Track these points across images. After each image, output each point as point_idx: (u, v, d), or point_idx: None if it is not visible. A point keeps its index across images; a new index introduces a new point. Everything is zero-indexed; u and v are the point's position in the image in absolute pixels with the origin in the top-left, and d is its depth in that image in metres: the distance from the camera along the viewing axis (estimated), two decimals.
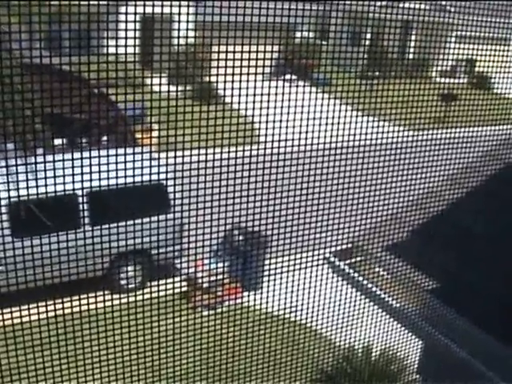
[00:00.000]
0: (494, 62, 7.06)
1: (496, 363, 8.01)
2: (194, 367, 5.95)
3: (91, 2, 3.98)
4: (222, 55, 4.63)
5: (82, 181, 4.43)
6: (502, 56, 7.41)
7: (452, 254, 8.32)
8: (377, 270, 8.23)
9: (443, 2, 7.80)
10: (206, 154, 4.93)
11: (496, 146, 7.51)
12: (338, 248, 7.82)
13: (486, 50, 7.00)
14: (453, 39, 7.99)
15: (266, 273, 6.43)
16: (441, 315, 8.04)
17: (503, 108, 7.13)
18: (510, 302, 7.86)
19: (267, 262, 6.50)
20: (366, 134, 6.02)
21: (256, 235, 7.86)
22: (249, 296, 9.43)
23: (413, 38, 7.78)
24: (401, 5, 6.10)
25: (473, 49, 6.96)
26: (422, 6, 6.28)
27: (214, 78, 4.89)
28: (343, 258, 8.95)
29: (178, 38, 4.75)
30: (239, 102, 4.88)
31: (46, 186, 4.41)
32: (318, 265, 7.11)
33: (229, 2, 4.42)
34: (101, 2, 4.03)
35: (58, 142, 6.62)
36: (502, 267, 8.09)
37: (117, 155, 4.53)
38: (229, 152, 5.13)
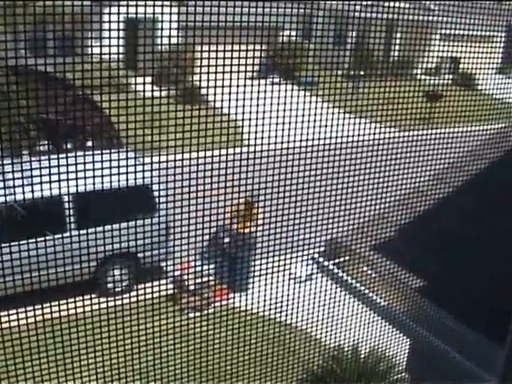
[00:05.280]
0: (478, 58, 7.09)
1: (484, 360, 8.05)
2: (182, 369, 5.94)
3: (75, 4, 3.96)
4: (207, 56, 4.62)
5: (67, 184, 4.41)
6: (486, 54, 7.45)
7: (439, 253, 8.35)
8: (364, 269, 8.24)
9: (427, 2, 7.82)
10: (190, 158, 4.92)
11: (481, 145, 7.55)
12: (326, 248, 7.84)
13: (470, 47, 7.03)
14: (437, 37, 8.02)
15: (254, 273, 6.42)
16: (428, 314, 8.06)
17: (487, 107, 7.17)
18: (497, 300, 7.89)
19: (254, 262, 6.49)
20: (351, 133, 6.03)
21: (242, 236, 7.85)
22: (234, 298, 9.43)
23: (397, 36, 7.80)
24: (385, 4, 6.11)
25: (457, 46, 6.98)
26: (407, 5, 6.29)
27: (199, 80, 4.88)
28: (330, 257, 8.96)
29: (162, 38, 4.73)
30: (221, 101, 4.88)
31: (32, 190, 4.39)
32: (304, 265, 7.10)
33: (211, 2, 4.41)
34: (84, 4, 4.01)
35: (43, 145, 6.59)
36: (488, 266, 8.13)
37: (102, 160, 4.51)
38: (212, 154, 5.11)
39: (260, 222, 8.88)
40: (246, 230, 9.47)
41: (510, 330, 7.42)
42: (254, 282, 6.42)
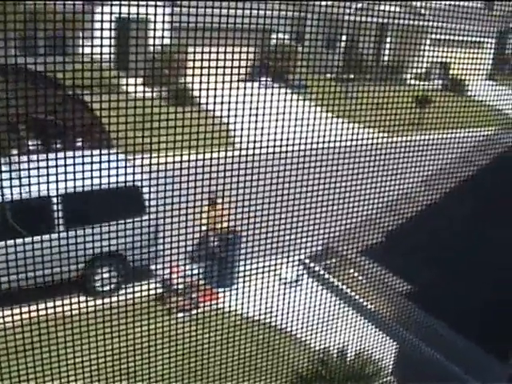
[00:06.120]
0: (468, 64, 7.11)
1: (471, 365, 8.07)
2: (169, 370, 5.93)
3: (66, 5, 3.95)
4: (199, 58, 4.61)
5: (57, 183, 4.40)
6: (476, 60, 7.47)
7: (427, 258, 8.37)
8: (352, 273, 8.26)
9: (418, 4, 7.85)
10: (181, 159, 4.92)
11: (470, 151, 7.57)
12: (314, 251, 7.84)
13: (460, 53, 7.06)
14: (428, 43, 8.04)
15: (242, 273, 6.41)
16: (415, 318, 8.08)
17: (477, 113, 7.19)
18: (486, 306, 7.91)
19: (242, 266, 6.49)
20: (341, 137, 6.04)
21: (229, 231, 7.87)
22: (224, 299, 9.43)
23: (388, 41, 7.83)
24: (376, 7, 6.13)
25: (447, 52, 7.01)
26: (397, 9, 6.30)
27: (190, 81, 4.88)
28: (318, 261, 8.97)
29: (154, 40, 4.72)
30: (211, 103, 4.87)
31: (19, 189, 4.37)
32: (293, 268, 7.08)
33: (205, 4, 4.41)
34: (76, 5, 4.00)
35: (31, 144, 6.57)
36: (477, 270, 8.15)
37: (92, 159, 4.50)
38: (200, 155, 5.12)
39: (226, 218, 8.97)
40: (218, 226, 9.57)
41: None
42: (236, 279, 6.41)
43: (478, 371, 8.04)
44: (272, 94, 5.34)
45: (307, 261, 9.17)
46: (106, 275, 9.97)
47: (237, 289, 6.32)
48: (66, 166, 4.34)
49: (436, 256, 8.36)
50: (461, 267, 8.35)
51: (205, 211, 8.07)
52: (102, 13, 4.16)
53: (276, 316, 6.83)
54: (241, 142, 5.42)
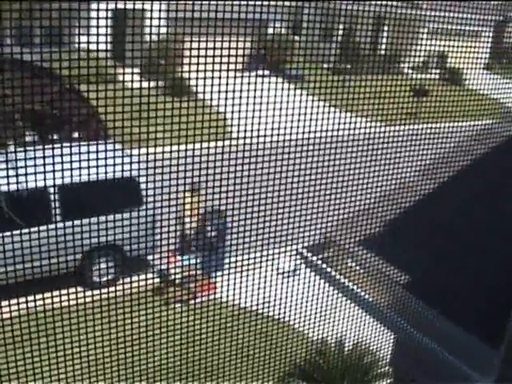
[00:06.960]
0: (465, 54, 7.10)
1: (467, 356, 8.09)
2: (167, 361, 5.93)
3: None
4: (196, 50, 4.61)
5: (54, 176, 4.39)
6: (474, 49, 7.46)
7: (425, 248, 8.38)
8: (349, 264, 8.26)
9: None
10: (179, 150, 4.92)
11: (467, 141, 7.57)
12: (311, 242, 7.85)
13: (458, 42, 7.04)
14: (425, 34, 8.04)
15: (238, 264, 6.41)
16: (413, 309, 8.09)
17: (474, 103, 7.18)
18: (482, 295, 7.93)
19: (238, 256, 6.49)
20: (338, 128, 6.04)
21: (216, 215, 7.88)
22: (215, 285, 9.43)
23: (385, 33, 7.81)
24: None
25: (445, 41, 6.99)
26: (394, 3, 6.30)
27: (188, 74, 4.87)
28: (316, 252, 8.98)
29: (151, 33, 4.71)
30: (204, 95, 4.86)
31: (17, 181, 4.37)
32: (291, 259, 7.08)
33: None
34: None
35: (28, 137, 6.55)
36: (474, 261, 8.17)
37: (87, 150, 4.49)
38: (197, 147, 5.11)
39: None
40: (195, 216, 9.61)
41: (507, 330, 7.48)
42: (228, 263, 6.41)
43: (470, 358, 8.07)
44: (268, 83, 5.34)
45: (304, 251, 9.18)
46: (103, 266, 9.97)
47: (229, 274, 6.31)
48: (62, 156, 4.34)
49: (433, 246, 8.37)
50: (460, 257, 8.36)
51: (188, 196, 8.11)
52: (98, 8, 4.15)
53: (274, 307, 6.83)
54: (231, 130, 5.42)
